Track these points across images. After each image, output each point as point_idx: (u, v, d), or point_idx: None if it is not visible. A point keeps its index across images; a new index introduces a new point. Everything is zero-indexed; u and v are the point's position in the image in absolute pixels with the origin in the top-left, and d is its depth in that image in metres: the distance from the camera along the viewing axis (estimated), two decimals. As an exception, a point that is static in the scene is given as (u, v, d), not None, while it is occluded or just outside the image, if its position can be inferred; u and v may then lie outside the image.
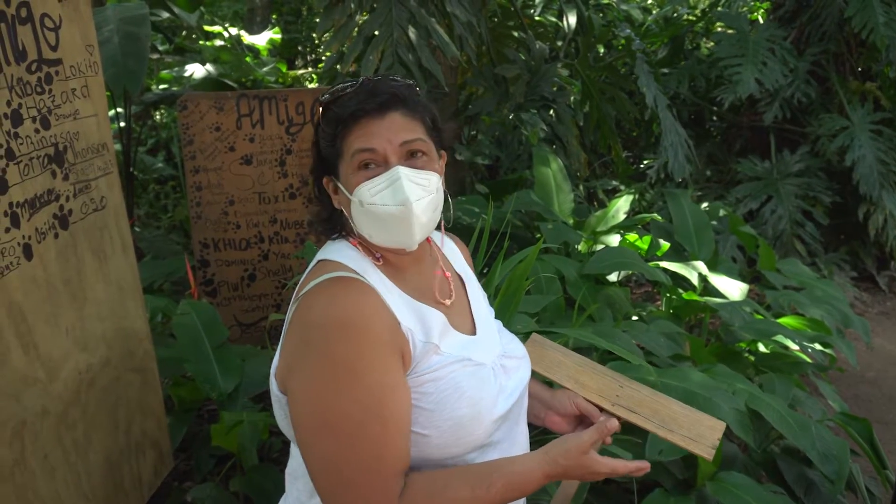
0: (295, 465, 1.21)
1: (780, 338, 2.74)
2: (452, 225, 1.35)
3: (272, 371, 1.15)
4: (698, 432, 1.28)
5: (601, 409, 1.30)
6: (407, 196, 1.09)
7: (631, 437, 1.94)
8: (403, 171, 1.10)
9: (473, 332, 1.25)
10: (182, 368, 2.61)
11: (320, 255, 1.19)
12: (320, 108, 1.18)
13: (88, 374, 1.88)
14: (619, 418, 1.28)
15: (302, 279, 1.16)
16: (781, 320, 2.97)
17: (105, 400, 1.95)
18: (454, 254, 1.38)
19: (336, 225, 1.21)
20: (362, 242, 1.19)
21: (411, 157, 1.13)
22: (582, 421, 1.33)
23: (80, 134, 1.90)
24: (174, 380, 2.67)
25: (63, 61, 1.84)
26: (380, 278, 1.14)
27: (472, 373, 1.14)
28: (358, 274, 1.12)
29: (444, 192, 1.21)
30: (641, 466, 1.17)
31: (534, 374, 1.40)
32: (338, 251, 1.18)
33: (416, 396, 1.10)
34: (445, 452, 1.12)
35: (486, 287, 2.09)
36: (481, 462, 1.13)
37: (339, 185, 1.16)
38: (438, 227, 1.26)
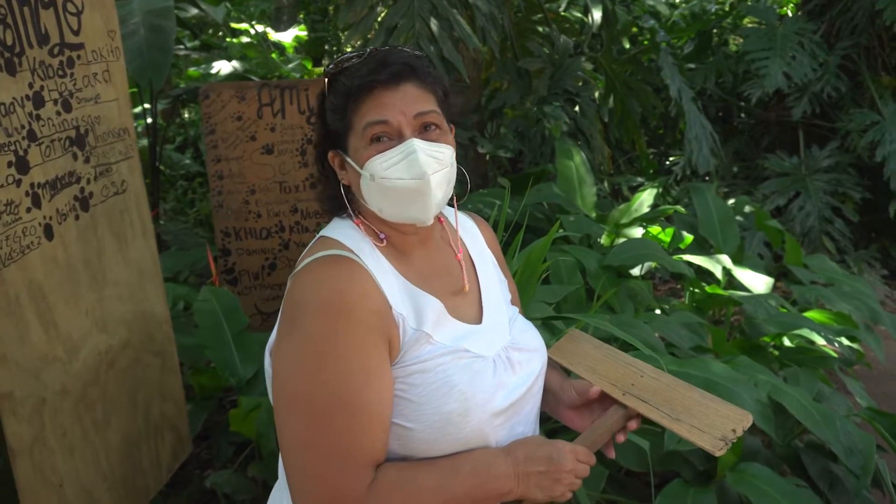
0: None
1: (805, 331, 2.68)
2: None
3: (267, 348, 1.13)
4: (709, 422, 1.15)
5: (613, 400, 1.23)
6: (424, 170, 1.05)
7: (650, 426, 1.91)
8: (419, 144, 1.06)
9: (479, 321, 1.18)
10: (203, 357, 2.64)
11: (322, 232, 1.17)
12: (326, 80, 1.14)
13: (108, 355, 1.90)
14: (628, 408, 1.22)
15: (302, 255, 1.14)
16: (807, 314, 2.91)
17: (124, 381, 1.97)
18: (472, 235, 1.31)
19: (342, 203, 1.17)
20: (365, 222, 1.16)
21: (425, 129, 1.09)
22: (592, 410, 1.27)
23: (102, 118, 1.92)
24: (195, 367, 2.69)
25: (85, 46, 1.86)
26: (377, 259, 1.10)
27: (466, 365, 1.08)
28: (353, 253, 1.08)
29: (459, 166, 1.17)
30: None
31: (555, 365, 1.35)
32: (339, 229, 1.15)
33: (403, 387, 1.05)
34: (431, 448, 1.06)
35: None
36: (452, 454, 1.07)
37: (348, 160, 1.12)
38: (451, 204, 1.22)
